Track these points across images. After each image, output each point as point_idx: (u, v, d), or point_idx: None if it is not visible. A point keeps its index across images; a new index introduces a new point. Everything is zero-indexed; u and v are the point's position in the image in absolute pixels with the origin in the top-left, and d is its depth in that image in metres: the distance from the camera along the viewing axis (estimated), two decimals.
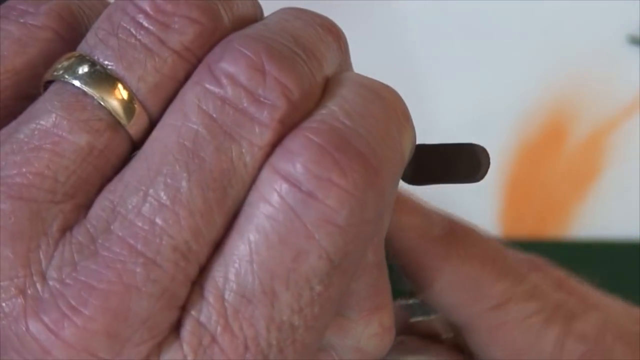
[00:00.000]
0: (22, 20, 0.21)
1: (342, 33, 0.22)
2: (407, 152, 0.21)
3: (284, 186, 0.18)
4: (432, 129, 0.50)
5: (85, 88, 0.19)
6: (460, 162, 0.23)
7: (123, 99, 0.19)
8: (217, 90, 0.19)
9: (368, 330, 0.22)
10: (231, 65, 0.19)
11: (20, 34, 0.21)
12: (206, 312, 0.18)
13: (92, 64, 0.19)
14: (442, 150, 0.23)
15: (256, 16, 0.22)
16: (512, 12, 0.52)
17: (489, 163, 0.23)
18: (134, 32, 0.20)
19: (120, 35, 0.20)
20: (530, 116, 0.51)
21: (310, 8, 0.23)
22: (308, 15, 0.22)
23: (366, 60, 0.51)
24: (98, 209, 0.19)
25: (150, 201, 0.18)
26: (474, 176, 0.23)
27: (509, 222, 0.50)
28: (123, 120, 0.19)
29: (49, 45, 0.21)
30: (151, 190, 0.18)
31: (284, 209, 0.18)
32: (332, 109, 0.20)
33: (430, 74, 0.51)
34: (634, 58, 0.51)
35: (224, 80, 0.19)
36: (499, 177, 0.50)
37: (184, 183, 0.18)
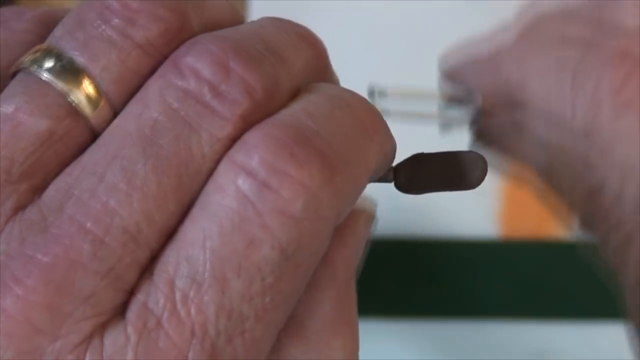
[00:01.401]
0: (5, 25, 0.21)
1: (320, 43, 0.23)
2: (372, 163, 0.21)
3: (241, 175, 0.19)
4: (432, 128, 0.50)
5: (51, 78, 0.20)
6: (457, 170, 0.23)
7: (88, 90, 0.20)
8: (180, 82, 0.19)
9: (330, 348, 0.22)
10: (196, 60, 0.19)
11: (2, 37, 0.21)
12: (154, 296, 0.18)
13: (58, 56, 0.20)
14: (437, 158, 0.23)
15: (234, 21, 0.22)
16: (512, 12, 0.52)
17: (486, 169, 0.23)
18: (99, 25, 0.20)
19: (86, 28, 0.20)
20: None
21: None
22: (284, 23, 0.22)
23: (366, 59, 0.51)
24: (53, 190, 0.19)
25: (105, 183, 0.19)
26: (470, 183, 0.23)
27: (509, 222, 0.50)
28: (86, 110, 0.20)
29: (31, 48, 0.21)
30: (107, 173, 0.19)
31: (238, 197, 0.19)
32: (296, 109, 0.20)
33: (430, 74, 0.51)
34: None
35: (188, 74, 0.19)
36: (499, 177, 0.50)
37: (140, 167, 0.19)
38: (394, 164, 0.24)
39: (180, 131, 0.19)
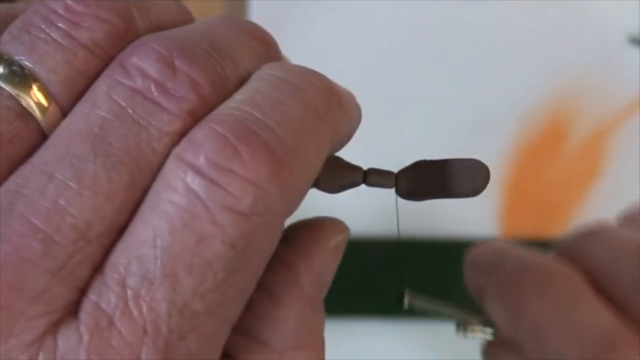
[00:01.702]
0: None
1: (270, 38, 0.23)
2: (326, 146, 0.21)
3: (189, 174, 0.19)
4: (433, 130, 0.50)
5: (1, 84, 0.20)
6: (458, 177, 0.23)
7: (36, 93, 0.20)
8: (127, 81, 0.20)
9: None
10: (142, 59, 0.20)
11: None
12: (106, 295, 0.18)
13: (7, 61, 0.20)
14: (439, 166, 0.23)
15: (182, 21, 0.22)
16: (513, 13, 0.52)
17: (488, 177, 0.23)
18: (45, 28, 0.20)
19: (32, 31, 0.20)
20: (531, 117, 0.51)
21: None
22: (232, 21, 0.22)
23: (365, 59, 0.51)
24: (3, 191, 0.19)
25: (55, 182, 0.19)
26: (471, 191, 0.23)
27: (509, 223, 0.50)
28: (35, 113, 0.20)
29: None
30: (57, 172, 0.19)
31: (188, 195, 0.19)
32: (242, 99, 0.20)
33: (431, 75, 0.51)
34: (634, 58, 0.51)
35: (134, 73, 0.20)
36: (499, 178, 0.50)
37: (90, 165, 0.19)
38: (396, 170, 0.24)
39: (129, 128, 0.19)
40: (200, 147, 0.19)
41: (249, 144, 0.19)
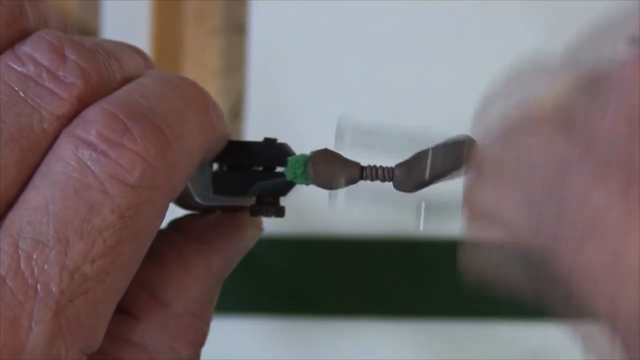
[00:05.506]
0: None
1: (147, 55, 0.25)
2: (204, 141, 0.23)
3: (80, 147, 0.20)
4: (431, 128, 0.50)
5: None
6: (446, 158, 0.23)
7: None
8: (19, 68, 0.21)
9: (184, 334, 0.25)
10: (34, 49, 0.21)
11: None
12: None
13: None
14: (431, 152, 0.24)
15: (64, 22, 0.24)
16: (513, 11, 0.52)
17: (469, 150, 0.23)
18: None
19: None
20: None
21: None
22: (118, 41, 0.25)
23: (366, 58, 0.51)
24: None
25: None
26: (451, 166, 0.24)
27: None
28: None
29: None
30: None
31: (80, 165, 0.20)
32: (129, 89, 0.22)
33: (430, 73, 0.51)
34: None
35: (27, 61, 0.21)
36: None
37: None
38: (393, 164, 0.24)
39: (22, 109, 0.21)
40: (92, 123, 0.21)
41: (138, 123, 0.21)
